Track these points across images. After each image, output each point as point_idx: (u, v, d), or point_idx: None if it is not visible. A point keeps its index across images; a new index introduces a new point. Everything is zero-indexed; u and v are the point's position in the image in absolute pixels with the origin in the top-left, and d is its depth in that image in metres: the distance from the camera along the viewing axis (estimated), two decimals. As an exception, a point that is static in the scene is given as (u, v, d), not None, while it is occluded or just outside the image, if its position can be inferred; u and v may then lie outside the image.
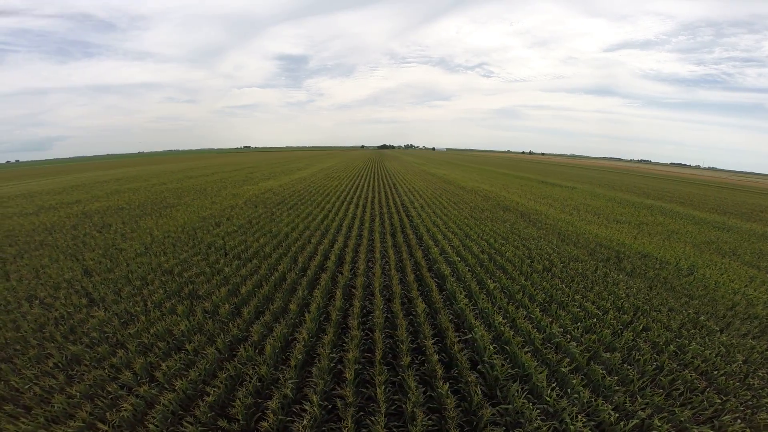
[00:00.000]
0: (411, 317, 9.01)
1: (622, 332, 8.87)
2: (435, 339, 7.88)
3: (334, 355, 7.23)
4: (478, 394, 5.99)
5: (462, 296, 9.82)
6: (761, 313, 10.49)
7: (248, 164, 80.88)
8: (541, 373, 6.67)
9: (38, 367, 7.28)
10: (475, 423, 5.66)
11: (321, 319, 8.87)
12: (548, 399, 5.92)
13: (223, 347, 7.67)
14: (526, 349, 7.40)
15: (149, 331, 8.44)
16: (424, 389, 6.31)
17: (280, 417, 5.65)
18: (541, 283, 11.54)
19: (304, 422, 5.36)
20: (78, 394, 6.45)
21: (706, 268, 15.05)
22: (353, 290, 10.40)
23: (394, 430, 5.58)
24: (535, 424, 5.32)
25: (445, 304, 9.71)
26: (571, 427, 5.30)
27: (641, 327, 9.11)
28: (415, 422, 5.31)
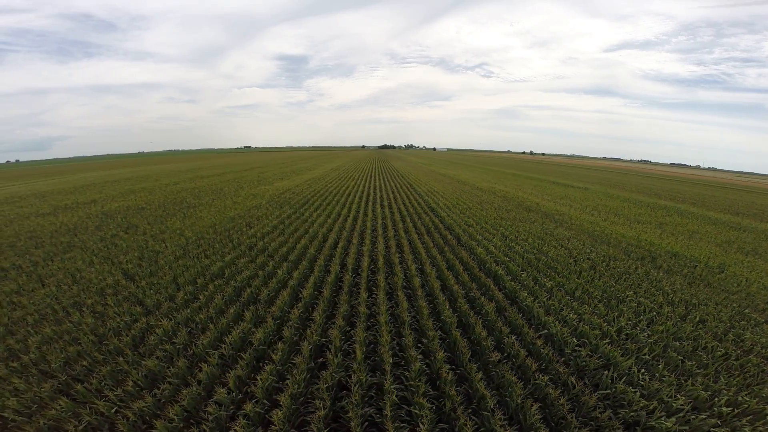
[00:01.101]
0: (480, 316, 9.54)
1: (680, 324, 9.52)
2: (514, 335, 8.49)
3: (421, 357, 7.65)
4: (573, 383, 6.63)
5: (525, 294, 10.44)
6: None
7: (255, 164, 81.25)
8: (628, 359, 7.32)
9: (121, 388, 6.75)
10: (577, 409, 6.27)
11: (394, 322, 9.29)
12: (641, 383, 6.57)
13: (309, 355, 7.42)
14: (604, 341, 8.04)
15: (223, 340, 8.14)
16: (522, 383, 6.77)
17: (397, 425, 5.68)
18: (592, 281, 12.18)
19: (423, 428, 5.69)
20: (176, 417, 5.97)
21: (734, 267, 15.72)
22: (412, 292, 10.88)
23: (506, 423, 6.06)
24: (641, 404, 5.95)
25: (508, 302, 10.32)
26: (673, 404, 5.94)
27: (697, 319, 9.79)
28: (528, 413, 5.88)
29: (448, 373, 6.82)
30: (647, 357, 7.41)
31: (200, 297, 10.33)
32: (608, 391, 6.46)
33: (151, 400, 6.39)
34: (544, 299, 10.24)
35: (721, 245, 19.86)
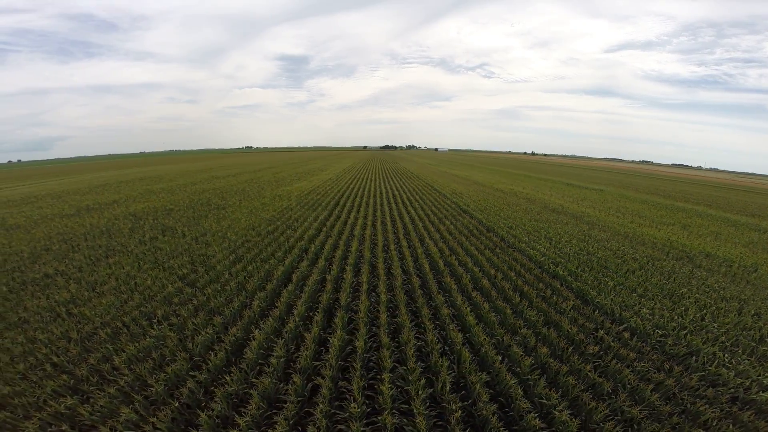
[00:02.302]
0: (561, 314, 10.44)
1: (739, 317, 10.46)
2: (595, 328, 9.43)
3: (523, 351, 8.58)
4: (671, 367, 7.59)
5: (594, 293, 11.36)
6: None
7: (265, 165, 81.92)
8: (711, 347, 8.28)
9: (247, 413, 6.35)
10: (674, 389, 7.19)
11: (479, 322, 10.17)
12: (730, 364, 7.53)
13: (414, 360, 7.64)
14: (683, 332, 8.99)
15: (330, 351, 7.89)
16: (630, 370, 7.71)
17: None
18: (648, 279, 13.10)
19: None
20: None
21: (765, 266, 16.67)
22: (483, 293, 11.68)
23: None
24: (736, 382, 6.90)
25: (579, 301, 11.23)
26: (764, 381, 6.90)
27: (752, 312, 10.75)
28: (646, 394, 6.80)
29: (558, 365, 7.70)
30: (727, 344, 8.35)
31: (277, 304, 10.15)
32: (703, 373, 7.39)
33: (286, 424, 6.10)
34: (612, 296, 11.14)
35: (746, 246, 20.78)
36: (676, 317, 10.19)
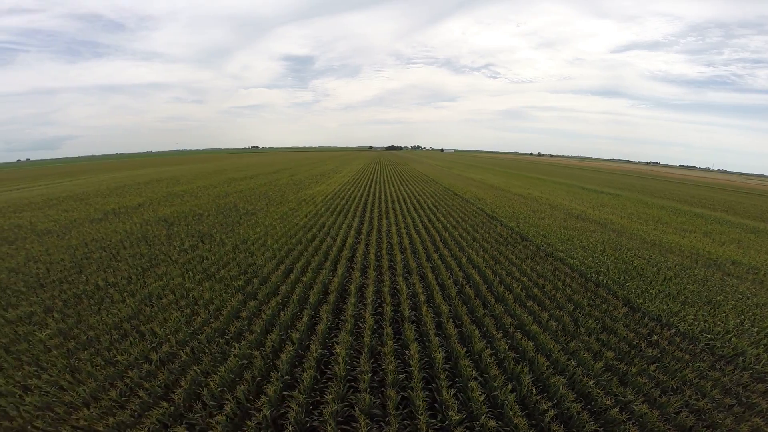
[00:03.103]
0: (615, 321, 11.54)
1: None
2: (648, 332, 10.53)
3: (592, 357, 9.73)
4: (723, 367, 8.69)
5: (640, 301, 12.48)
6: None
7: (278, 166, 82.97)
8: (756, 348, 9.44)
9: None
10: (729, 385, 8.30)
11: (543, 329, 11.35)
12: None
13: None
14: (729, 335, 10.10)
15: (411, 364, 8.48)
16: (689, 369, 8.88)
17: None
18: (685, 287, 14.16)
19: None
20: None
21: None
22: (537, 302, 12.89)
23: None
24: None
25: (627, 309, 12.31)
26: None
27: None
28: (706, 390, 7.91)
29: (626, 367, 8.83)
30: None
31: (344, 317, 10.67)
32: (751, 371, 8.51)
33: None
34: (657, 303, 12.22)
35: (768, 253, 21.72)
36: (719, 322, 11.33)
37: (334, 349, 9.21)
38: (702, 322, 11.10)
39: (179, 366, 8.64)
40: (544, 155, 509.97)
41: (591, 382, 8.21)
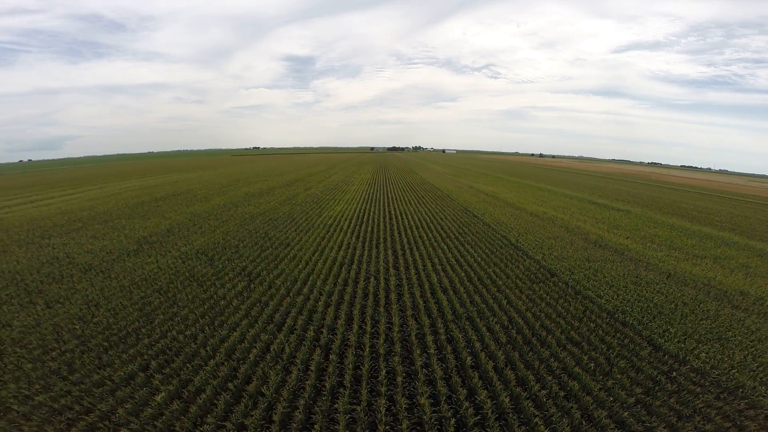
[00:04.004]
0: (644, 361, 13.90)
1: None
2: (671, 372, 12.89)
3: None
4: (725, 397, 11.08)
5: (662, 341, 14.82)
6: None
7: (288, 174, 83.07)
8: (754, 381, 11.92)
9: None
10: (729, 412, 10.70)
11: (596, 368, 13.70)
12: (766, 394, 11.47)
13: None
14: (733, 371, 12.64)
15: (492, 401, 11.30)
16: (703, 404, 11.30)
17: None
18: (699, 323, 16.60)
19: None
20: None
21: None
22: (577, 346, 15.34)
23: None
24: None
25: (651, 348, 14.66)
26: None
27: None
28: (710, 416, 10.34)
29: (651, 400, 11.26)
30: (764, 379, 12.38)
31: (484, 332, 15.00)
32: (747, 400, 11.44)
33: None
34: (676, 342, 14.77)
35: (775, 281, 24.03)
36: (726, 359, 14.10)
37: (417, 398, 11.36)
38: (712, 359, 13.89)
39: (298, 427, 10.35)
40: (545, 156, 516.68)
41: (626, 414, 10.98)
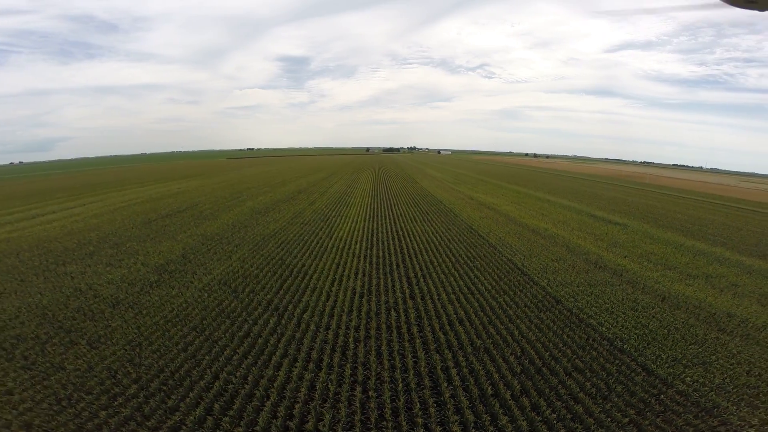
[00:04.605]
0: (628, 381, 16.29)
1: (749, 378, 16.49)
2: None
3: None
4: (702, 417, 13.56)
5: (654, 366, 17.22)
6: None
7: (290, 186, 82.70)
8: (728, 402, 14.39)
9: None
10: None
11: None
12: (737, 413, 14.15)
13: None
14: (712, 393, 15.27)
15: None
16: None
17: None
18: (687, 348, 19.21)
19: None
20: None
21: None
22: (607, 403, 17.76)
23: None
24: (739, 423, 13.14)
25: (645, 371, 17.04)
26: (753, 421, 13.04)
27: (756, 373, 17.19)
28: None
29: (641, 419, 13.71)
30: (736, 399, 15.37)
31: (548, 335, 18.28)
32: (720, 418, 14.27)
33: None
34: (666, 368, 17.53)
35: (760, 299, 26.86)
36: (707, 382, 16.69)
37: (449, 426, 13.78)
38: (695, 383, 16.51)
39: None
40: (539, 155, 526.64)
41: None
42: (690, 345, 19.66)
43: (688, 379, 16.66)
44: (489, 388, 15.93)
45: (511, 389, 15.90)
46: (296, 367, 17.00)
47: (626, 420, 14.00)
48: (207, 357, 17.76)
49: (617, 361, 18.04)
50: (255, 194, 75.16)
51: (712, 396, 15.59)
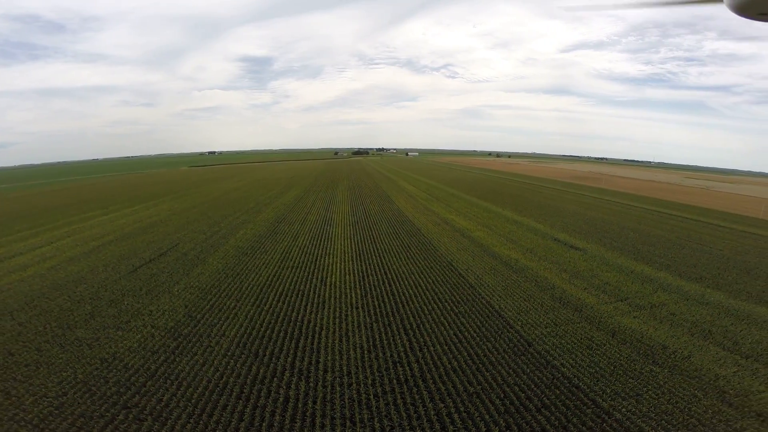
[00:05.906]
0: (580, 417, 22.92)
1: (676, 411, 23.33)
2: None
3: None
4: None
5: (605, 404, 23.99)
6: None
7: (267, 211, 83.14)
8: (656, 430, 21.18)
9: None
10: None
11: None
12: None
13: None
14: (640, 420, 21.88)
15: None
16: None
17: None
18: (628, 382, 25.93)
19: None
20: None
21: (697, 354, 29.76)
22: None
23: None
24: None
25: (595, 406, 23.78)
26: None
27: (680, 404, 23.94)
28: None
29: None
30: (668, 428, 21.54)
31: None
32: None
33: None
34: (613, 403, 24.20)
35: (691, 328, 34.46)
36: (637, 411, 23.61)
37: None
38: (628, 412, 23.40)
39: None
40: (501, 155, 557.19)
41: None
42: (629, 379, 26.68)
43: (624, 409, 23.43)
44: (483, 426, 22.21)
45: (498, 427, 22.11)
46: (336, 426, 22.13)
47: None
48: (263, 424, 21.47)
49: (574, 397, 24.70)
50: (233, 225, 75.86)
51: (639, 422, 22.27)
